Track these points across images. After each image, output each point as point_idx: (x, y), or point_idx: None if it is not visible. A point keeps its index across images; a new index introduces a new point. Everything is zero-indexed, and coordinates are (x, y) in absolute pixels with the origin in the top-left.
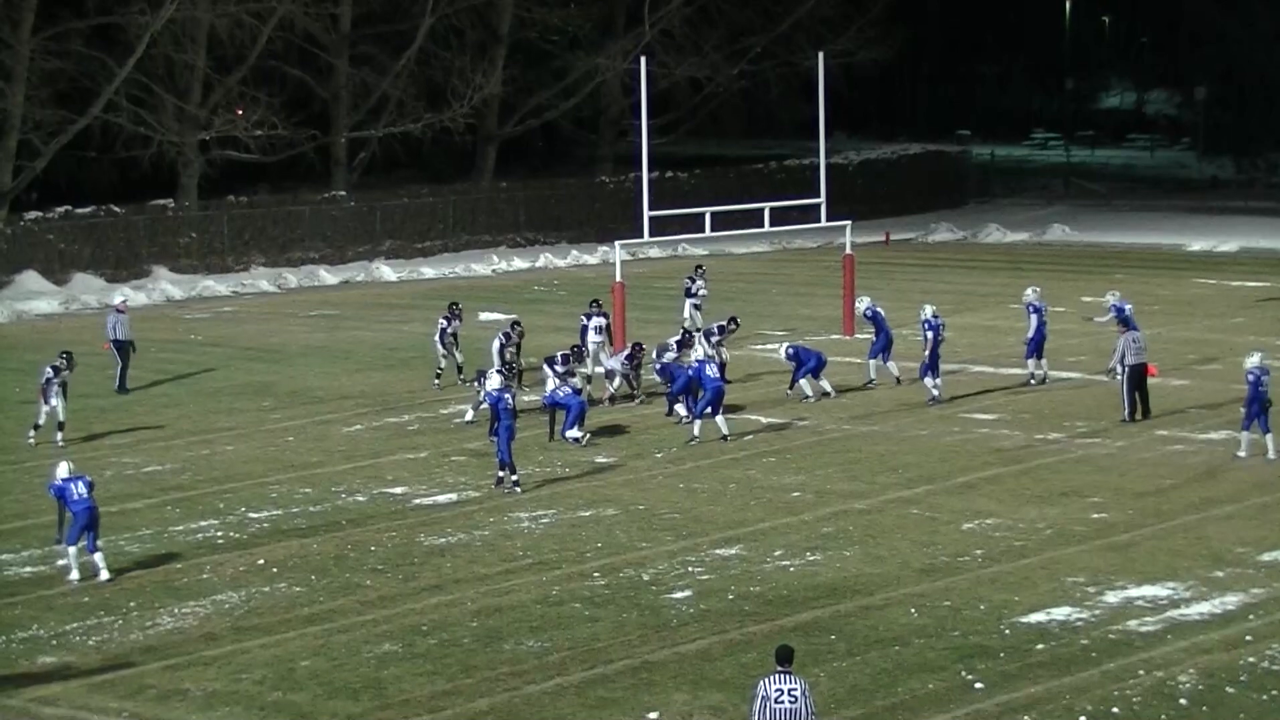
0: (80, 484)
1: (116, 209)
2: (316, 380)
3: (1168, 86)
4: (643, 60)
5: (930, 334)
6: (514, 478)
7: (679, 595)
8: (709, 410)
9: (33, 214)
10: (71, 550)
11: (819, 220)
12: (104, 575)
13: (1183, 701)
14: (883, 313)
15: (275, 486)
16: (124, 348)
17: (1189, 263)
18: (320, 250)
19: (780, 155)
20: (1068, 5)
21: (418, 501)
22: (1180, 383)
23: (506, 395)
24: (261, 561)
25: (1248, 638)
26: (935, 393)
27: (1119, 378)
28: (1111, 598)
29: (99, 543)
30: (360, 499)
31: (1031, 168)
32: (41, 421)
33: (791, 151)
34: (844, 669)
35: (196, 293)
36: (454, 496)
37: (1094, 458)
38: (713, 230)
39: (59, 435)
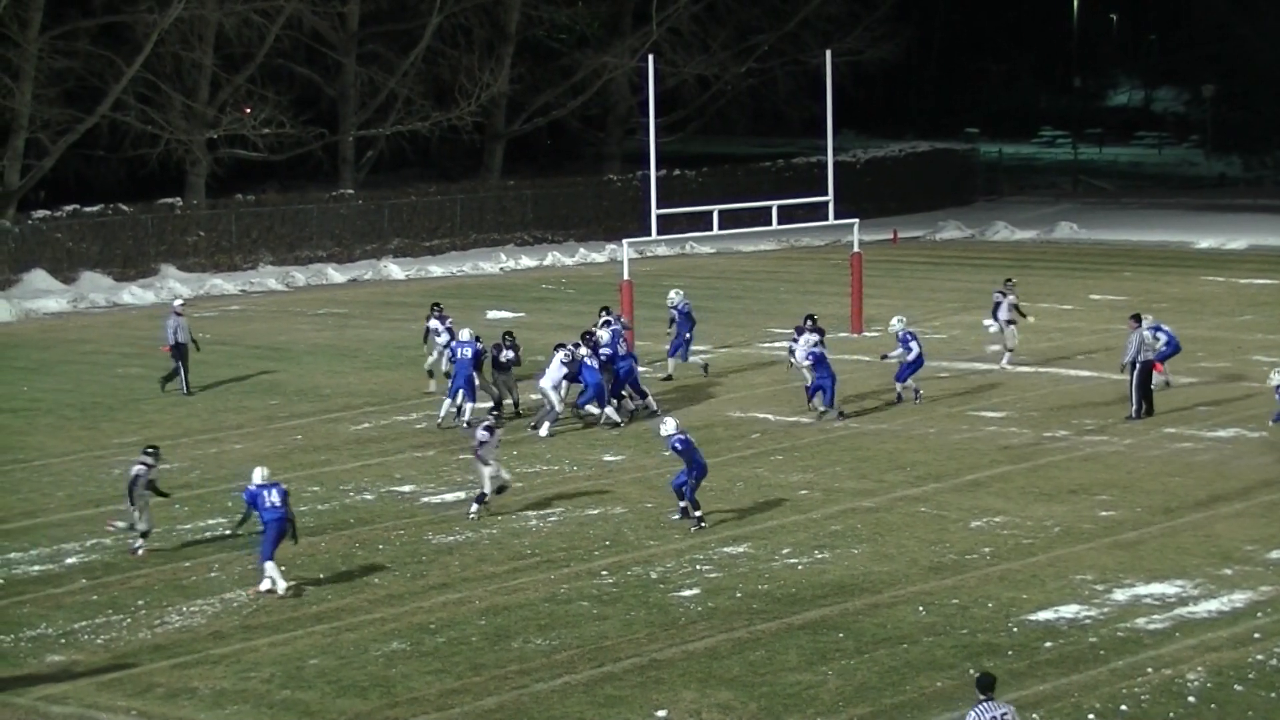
0: (274, 492)
1: (124, 207)
2: (324, 379)
3: (1175, 84)
4: (650, 58)
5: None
6: (697, 514)
7: (687, 593)
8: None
9: (41, 213)
10: (268, 565)
11: (827, 218)
12: (272, 586)
13: (1191, 699)
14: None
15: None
16: (184, 350)
17: (1197, 260)
18: (328, 249)
19: (788, 153)
20: (1075, 3)
21: (426, 500)
22: (1188, 381)
23: (686, 435)
24: None
25: (1256, 635)
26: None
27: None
28: (1120, 595)
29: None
30: (368, 497)
31: (1039, 165)
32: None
33: (799, 150)
34: (852, 667)
35: (204, 291)
36: (462, 495)
37: (1102, 456)
38: (720, 228)
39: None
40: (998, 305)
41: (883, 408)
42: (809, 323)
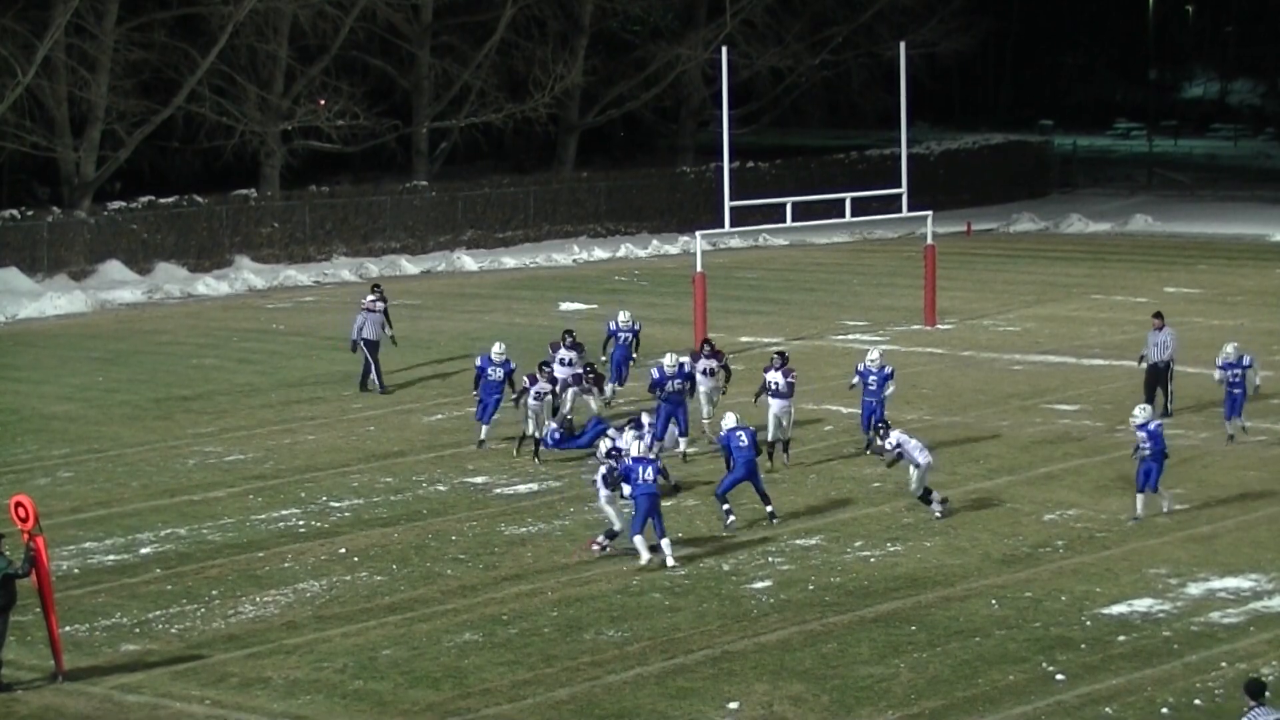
0: (649, 469)
1: (199, 199)
2: (398, 370)
3: (1252, 76)
4: (724, 50)
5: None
6: (769, 509)
7: (759, 585)
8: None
9: (116, 204)
10: (638, 539)
11: (900, 210)
12: (670, 561)
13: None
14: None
15: (357, 476)
16: (373, 347)
17: (1273, 253)
18: (401, 240)
19: (861, 145)
20: None
21: (499, 491)
22: (1264, 374)
23: (741, 432)
24: (343, 550)
25: None
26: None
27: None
28: (1194, 589)
29: (664, 528)
30: (441, 488)
31: (1114, 158)
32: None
33: (873, 142)
34: (924, 660)
35: (278, 282)
36: (535, 486)
37: (1177, 449)
38: (794, 220)
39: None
40: None
41: (956, 400)
42: (776, 359)
